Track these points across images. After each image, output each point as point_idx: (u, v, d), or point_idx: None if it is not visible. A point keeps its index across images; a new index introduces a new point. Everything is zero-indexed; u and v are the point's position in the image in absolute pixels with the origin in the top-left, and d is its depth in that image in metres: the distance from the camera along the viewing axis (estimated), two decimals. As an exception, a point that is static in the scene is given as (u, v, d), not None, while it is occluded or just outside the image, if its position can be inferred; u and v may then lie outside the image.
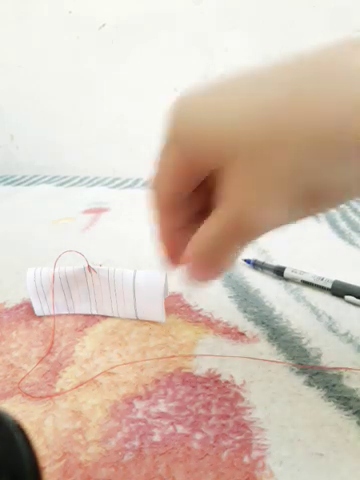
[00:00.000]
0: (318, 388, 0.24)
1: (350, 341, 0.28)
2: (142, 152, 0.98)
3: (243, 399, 0.23)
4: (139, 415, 0.22)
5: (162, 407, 0.23)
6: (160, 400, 0.23)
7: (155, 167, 0.19)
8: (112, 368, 0.26)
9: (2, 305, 0.35)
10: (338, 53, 0.14)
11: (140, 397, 0.24)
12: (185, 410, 0.23)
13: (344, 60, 0.14)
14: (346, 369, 0.25)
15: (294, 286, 0.36)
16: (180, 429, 0.21)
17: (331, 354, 0.27)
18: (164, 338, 0.29)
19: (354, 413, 0.22)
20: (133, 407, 0.23)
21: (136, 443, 0.21)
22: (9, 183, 0.95)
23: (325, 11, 0.79)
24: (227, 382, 0.25)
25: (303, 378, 0.25)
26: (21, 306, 0.35)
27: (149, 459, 0.20)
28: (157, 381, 0.25)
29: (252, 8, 0.81)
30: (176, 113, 0.17)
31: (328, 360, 0.26)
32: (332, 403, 0.23)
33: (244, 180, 0.15)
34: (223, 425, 0.22)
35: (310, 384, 0.24)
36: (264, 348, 0.28)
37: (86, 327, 0.31)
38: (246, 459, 0.20)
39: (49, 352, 0.28)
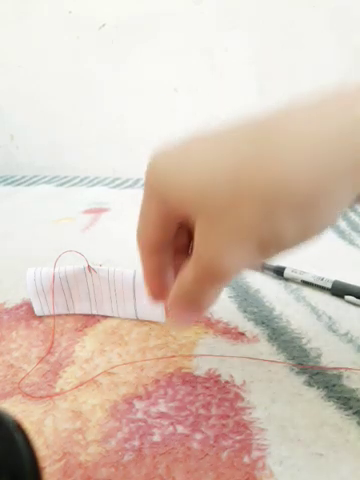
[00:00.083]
0: (318, 388, 0.24)
1: (350, 341, 0.28)
2: (142, 152, 0.98)
3: (243, 399, 0.23)
4: (139, 415, 0.22)
5: (162, 407, 0.23)
6: (160, 400, 0.23)
7: (139, 215, 0.22)
8: (112, 368, 0.26)
9: (2, 305, 0.35)
10: (286, 117, 0.16)
11: (140, 397, 0.24)
12: (185, 410, 0.23)
13: (291, 125, 0.16)
14: (346, 369, 0.25)
15: (294, 286, 0.36)
16: (180, 429, 0.21)
17: (331, 354, 0.27)
18: (164, 338, 0.29)
19: (354, 413, 0.22)
20: (133, 407, 0.23)
21: (136, 443, 0.21)
22: (9, 183, 0.95)
23: (325, 11, 0.79)
24: (227, 382, 0.25)
25: (303, 378, 0.25)
26: (21, 306, 0.35)
27: (149, 459, 0.20)
28: (157, 381, 0.25)
29: (252, 8, 0.81)
30: (151, 169, 0.20)
31: (328, 360, 0.26)
32: (332, 403, 0.23)
33: (211, 232, 0.17)
34: (223, 425, 0.22)
35: (310, 384, 0.24)
36: (264, 348, 0.28)
37: (86, 327, 0.31)
38: (246, 459, 0.20)
39: (49, 352, 0.28)
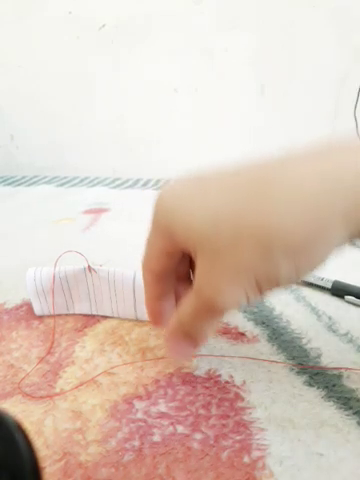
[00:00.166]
0: (318, 388, 0.24)
1: (350, 341, 0.28)
2: (142, 152, 0.98)
3: (243, 399, 0.23)
4: (139, 415, 0.22)
5: (162, 407, 0.23)
6: (160, 400, 0.23)
7: (145, 245, 0.23)
8: (112, 368, 0.26)
9: (2, 305, 0.35)
10: (282, 170, 0.18)
11: (140, 397, 0.24)
12: (185, 410, 0.23)
13: (286, 179, 0.17)
14: (346, 369, 0.25)
15: (294, 286, 0.36)
16: (180, 429, 0.21)
17: (331, 354, 0.27)
18: (164, 338, 0.29)
19: (354, 413, 0.22)
20: (133, 407, 0.23)
21: (136, 443, 0.21)
22: (9, 183, 0.95)
23: (325, 11, 0.79)
24: (227, 382, 0.25)
25: (303, 378, 0.25)
26: (21, 306, 0.35)
27: (149, 459, 0.20)
28: (157, 381, 0.25)
29: (252, 8, 0.81)
30: (159, 205, 0.21)
31: (328, 360, 0.26)
32: (332, 403, 0.23)
33: (212, 270, 0.19)
34: (223, 425, 0.22)
35: (310, 384, 0.24)
36: (264, 348, 0.28)
37: (86, 327, 0.31)
38: (246, 459, 0.20)
39: (49, 352, 0.28)
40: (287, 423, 0.21)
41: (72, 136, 1.00)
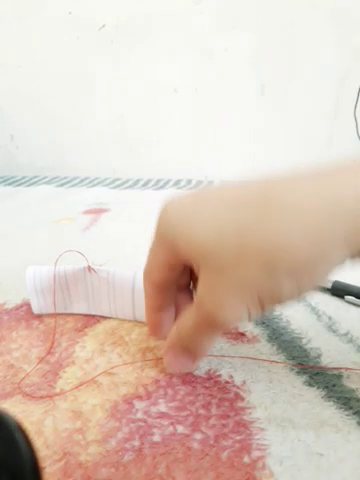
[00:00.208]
0: (318, 388, 0.24)
1: (350, 341, 0.28)
2: (142, 152, 0.98)
3: (243, 399, 0.23)
4: (139, 415, 0.22)
5: (162, 407, 0.23)
6: (160, 400, 0.23)
7: (148, 257, 0.23)
8: (112, 368, 0.26)
9: (2, 305, 0.35)
10: (285, 190, 0.18)
11: (140, 397, 0.24)
12: (185, 410, 0.23)
13: (289, 199, 0.18)
14: (346, 369, 0.25)
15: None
16: (180, 429, 0.21)
17: (331, 354, 0.27)
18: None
19: (354, 413, 0.22)
20: (133, 407, 0.23)
21: (136, 443, 0.21)
22: (9, 184, 0.95)
23: (325, 11, 0.79)
24: (227, 382, 0.25)
25: (303, 378, 0.25)
26: (21, 306, 0.35)
27: (149, 459, 0.20)
28: (157, 381, 0.25)
29: (252, 8, 0.81)
30: (162, 218, 0.22)
31: (328, 360, 0.26)
32: (332, 403, 0.23)
33: (215, 285, 0.19)
34: (223, 425, 0.22)
35: (310, 384, 0.24)
36: (264, 348, 0.28)
37: (86, 327, 0.31)
38: (246, 459, 0.20)
39: (49, 352, 0.28)
40: (287, 423, 0.22)
41: (72, 136, 1.01)
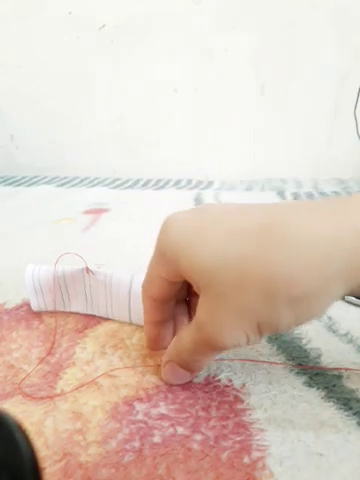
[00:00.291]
0: (318, 389, 0.24)
1: (350, 341, 0.28)
2: (142, 152, 0.98)
3: (243, 401, 0.23)
4: (139, 416, 0.22)
5: (162, 409, 0.23)
6: (160, 402, 0.23)
7: (147, 271, 0.23)
8: (113, 371, 0.26)
9: (2, 305, 0.35)
10: (286, 222, 0.19)
11: (141, 399, 0.24)
12: (185, 412, 0.23)
13: (291, 230, 0.18)
14: (346, 369, 0.25)
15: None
16: (180, 430, 0.21)
17: (331, 354, 0.27)
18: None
19: (354, 414, 0.22)
20: (134, 409, 0.23)
21: (136, 444, 0.21)
22: (9, 184, 0.95)
23: (325, 11, 0.79)
24: (227, 386, 0.25)
25: (303, 379, 0.25)
26: (21, 306, 0.35)
27: (149, 460, 0.20)
28: (158, 386, 0.25)
29: (252, 8, 0.81)
30: (164, 236, 0.22)
31: (328, 360, 0.26)
32: (332, 403, 0.23)
33: (216, 309, 0.19)
34: (223, 426, 0.22)
35: (310, 385, 0.24)
36: (264, 349, 0.28)
37: (87, 328, 0.31)
38: (246, 459, 0.20)
39: (49, 353, 0.28)
40: (287, 424, 0.22)
41: (72, 136, 1.01)
